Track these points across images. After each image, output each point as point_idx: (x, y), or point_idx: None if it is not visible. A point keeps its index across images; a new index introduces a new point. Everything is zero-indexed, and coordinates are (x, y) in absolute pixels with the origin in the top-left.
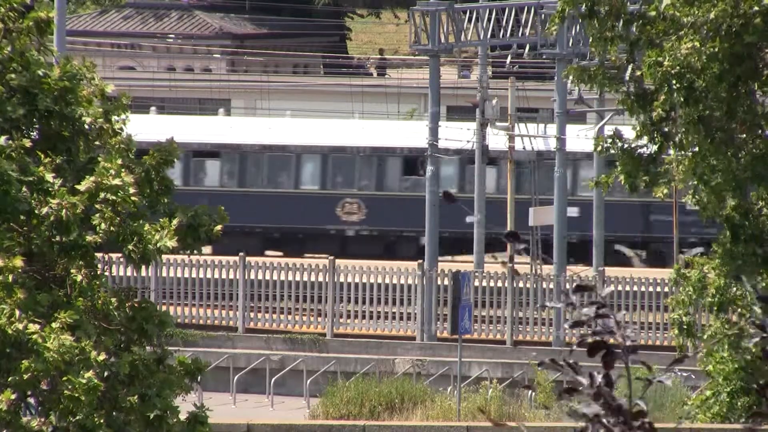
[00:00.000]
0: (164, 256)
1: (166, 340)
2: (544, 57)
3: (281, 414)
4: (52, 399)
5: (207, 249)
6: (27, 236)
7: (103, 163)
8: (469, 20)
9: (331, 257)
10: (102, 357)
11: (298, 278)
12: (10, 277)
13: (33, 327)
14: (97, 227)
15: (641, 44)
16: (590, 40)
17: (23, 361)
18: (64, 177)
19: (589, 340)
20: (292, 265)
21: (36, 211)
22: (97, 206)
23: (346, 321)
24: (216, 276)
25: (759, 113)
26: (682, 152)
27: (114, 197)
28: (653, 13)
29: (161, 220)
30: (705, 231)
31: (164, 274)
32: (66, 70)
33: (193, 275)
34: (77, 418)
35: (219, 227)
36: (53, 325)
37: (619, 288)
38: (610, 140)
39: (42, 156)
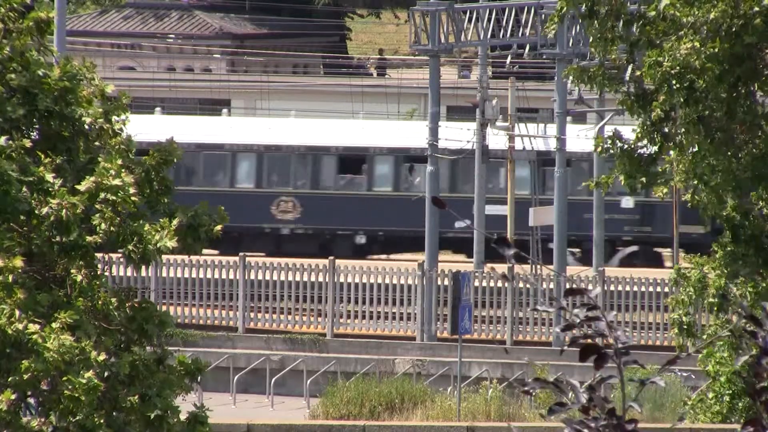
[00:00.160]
0: (164, 256)
1: (166, 340)
2: (544, 57)
3: (281, 414)
4: (52, 399)
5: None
6: (27, 236)
7: (103, 163)
8: (469, 20)
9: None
10: (102, 357)
11: (298, 278)
12: (10, 277)
13: (33, 327)
14: (97, 227)
15: (641, 45)
16: (590, 41)
17: (23, 361)
18: (64, 177)
19: (581, 341)
20: (292, 265)
21: (36, 211)
22: (97, 206)
23: (346, 321)
24: (216, 276)
25: (759, 113)
26: (682, 152)
27: (114, 197)
28: (653, 14)
29: (161, 220)
30: (639, 229)
31: (164, 274)
32: (66, 70)
33: (193, 275)
34: (77, 418)
35: (219, 227)
36: (53, 325)
37: (619, 288)
38: (609, 141)
39: (42, 156)
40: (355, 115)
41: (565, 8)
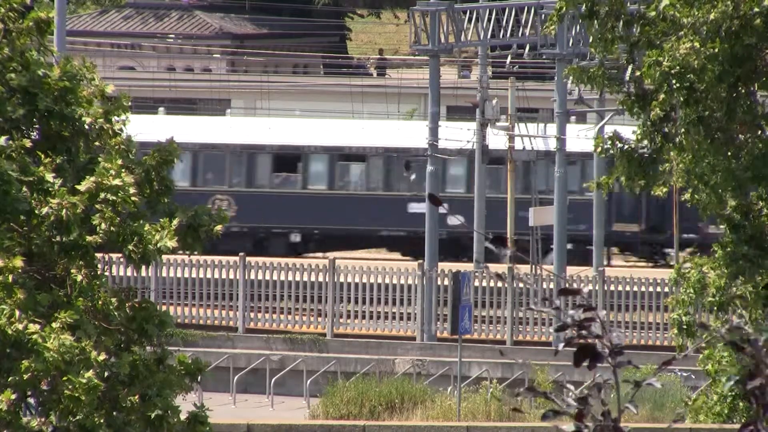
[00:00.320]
0: (164, 256)
1: (166, 340)
2: (544, 57)
3: (281, 414)
4: (52, 399)
5: None
6: (27, 236)
7: (103, 163)
8: (469, 20)
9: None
10: (102, 357)
11: (298, 278)
12: (10, 277)
13: (33, 327)
14: (98, 227)
15: (641, 45)
16: (590, 41)
17: (23, 361)
18: (64, 177)
19: (576, 342)
20: (292, 265)
21: (36, 211)
22: (97, 206)
23: (346, 321)
24: (216, 276)
25: (759, 113)
26: (682, 153)
27: (114, 197)
28: (653, 14)
29: (161, 220)
30: (573, 227)
31: (164, 274)
32: (66, 70)
33: (193, 275)
34: (77, 418)
35: (219, 227)
36: (53, 325)
37: (619, 288)
38: (609, 141)
39: (42, 156)
40: (290, 113)
41: (564, 8)
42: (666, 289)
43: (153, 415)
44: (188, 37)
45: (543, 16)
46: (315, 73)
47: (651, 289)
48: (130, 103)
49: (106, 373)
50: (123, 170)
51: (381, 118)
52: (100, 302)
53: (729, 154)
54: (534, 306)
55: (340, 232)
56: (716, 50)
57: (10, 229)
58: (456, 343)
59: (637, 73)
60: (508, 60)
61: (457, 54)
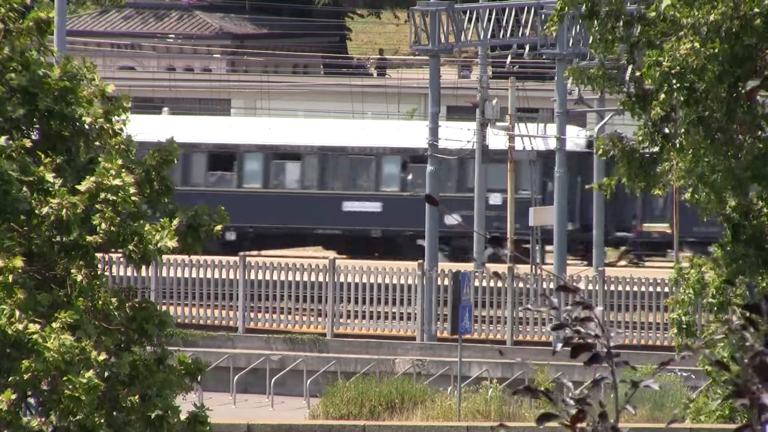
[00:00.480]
0: (164, 256)
1: (166, 340)
2: (544, 57)
3: (281, 414)
4: (52, 399)
5: None
6: (27, 236)
7: (103, 163)
8: (469, 20)
9: (332, 257)
10: (102, 357)
11: (298, 278)
12: (10, 277)
13: (33, 327)
14: (98, 227)
15: (641, 45)
16: (590, 41)
17: (23, 361)
18: (64, 177)
19: (573, 341)
20: (292, 265)
21: (36, 211)
22: (97, 206)
23: (346, 321)
24: (216, 276)
25: (759, 113)
26: (682, 153)
27: (114, 197)
28: (653, 15)
29: (161, 220)
30: (497, 227)
31: (164, 274)
32: (66, 70)
33: (193, 275)
34: (77, 418)
35: (219, 227)
36: (53, 325)
37: (619, 288)
38: (610, 142)
39: (42, 156)
40: (223, 112)
41: (564, 8)
42: (666, 289)
43: (153, 415)
44: (188, 37)
45: (543, 16)
46: (315, 73)
47: (651, 289)
48: (130, 104)
49: (106, 373)
50: (123, 170)
51: (317, 117)
52: (100, 302)
53: (729, 154)
54: (531, 306)
55: (274, 231)
56: (716, 50)
57: (10, 229)
58: (456, 343)
59: (638, 74)
60: (508, 60)
61: (457, 54)
